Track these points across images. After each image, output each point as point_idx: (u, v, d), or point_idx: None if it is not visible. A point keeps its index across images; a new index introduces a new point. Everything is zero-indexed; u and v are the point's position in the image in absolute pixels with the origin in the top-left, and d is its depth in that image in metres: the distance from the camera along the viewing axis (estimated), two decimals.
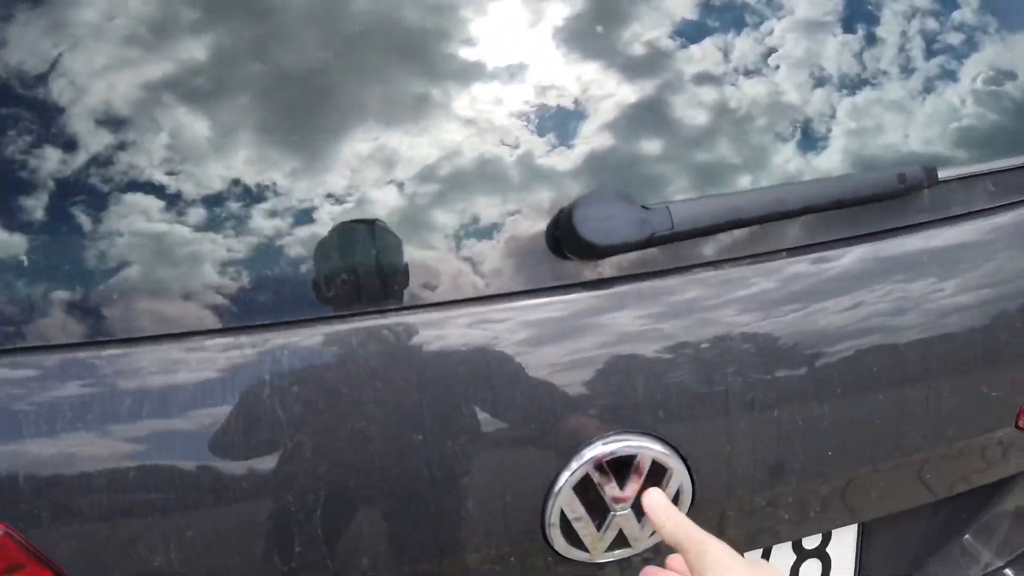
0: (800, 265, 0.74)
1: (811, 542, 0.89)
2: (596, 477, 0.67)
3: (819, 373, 0.73)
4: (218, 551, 0.64)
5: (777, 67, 0.75)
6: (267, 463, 0.63)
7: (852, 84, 0.78)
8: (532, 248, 0.67)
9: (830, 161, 0.76)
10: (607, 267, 0.68)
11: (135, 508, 0.62)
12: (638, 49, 0.71)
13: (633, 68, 0.70)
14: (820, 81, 0.77)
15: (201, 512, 0.63)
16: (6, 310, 0.59)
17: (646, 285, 0.68)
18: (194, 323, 0.62)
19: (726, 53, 0.74)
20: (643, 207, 0.61)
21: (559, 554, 0.71)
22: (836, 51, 0.78)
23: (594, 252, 0.61)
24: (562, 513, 0.68)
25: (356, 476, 0.65)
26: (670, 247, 0.67)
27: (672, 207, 0.62)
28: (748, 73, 0.74)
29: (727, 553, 0.53)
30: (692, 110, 0.71)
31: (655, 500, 0.58)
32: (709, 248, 0.70)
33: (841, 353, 0.74)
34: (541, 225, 0.67)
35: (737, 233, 0.70)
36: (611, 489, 0.68)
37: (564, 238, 0.64)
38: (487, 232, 0.67)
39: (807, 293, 0.73)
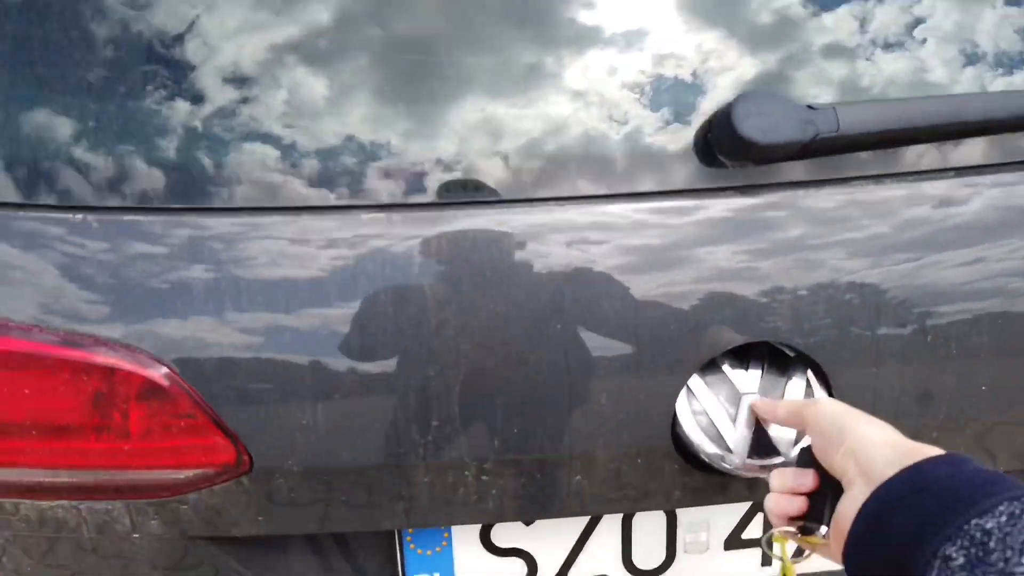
0: (968, 189, 0.69)
1: None
2: (729, 373, 0.68)
3: (981, 304, 0.69)
4: (361, 417, 0.68)
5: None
6: (414, 339, 0.67)
7: None
8: (681, 150, 0.66)
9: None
10: (759, 173, 0.66)
11: (293, 371, 0.67)
12: None
13: None
14: None
15: (351, 378, 0.67)
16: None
17: (799, 193, 0.67)
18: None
19: None
20: (808, 106, 0.59)
21: (688, 456, 0.72)
22: None
23: (751, 152, 0.59)
24: (693, 412, 0.69)
25: (495, 358, 0.67)
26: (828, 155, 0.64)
27: (839, 108, 0.59)
28: None
29: (833, 404, 0.58)
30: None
31: (758, 401, 0.67)
32: (868, 160, 0.67)
33: (1010, 285, 0.69)
34: (693, 127, 0.66)
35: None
36: (739, 378, 0.68)
37: (719, 138, 0.62)
38: (636, 132, 0.66)
39: (972, 222, 0.69)
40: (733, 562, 0.85)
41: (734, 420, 0.69)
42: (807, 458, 0.59)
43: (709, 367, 0.68)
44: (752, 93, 0.60)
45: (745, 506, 0.83)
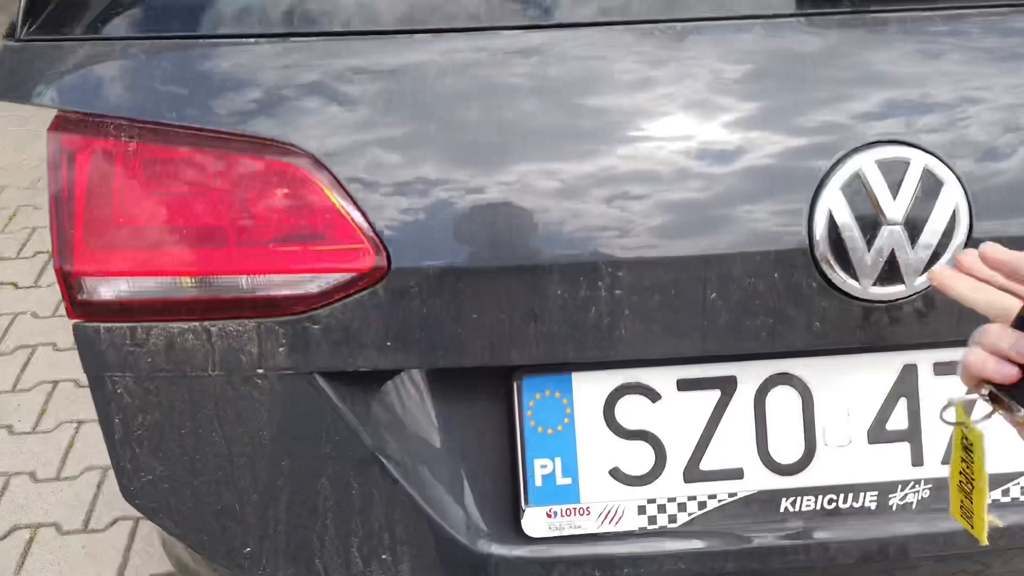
0: None
1: None
2: (868, 177, 0.68)
3: None
4: (499, 217, 0.70)
5: None
6: (554, 141, 0.70)
7: None
8: None
9: None
10: None
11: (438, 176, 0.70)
12: None
13: None
14: None
15: (491, 178, 0.70)
16: None
17: None
18: None
19: None
20: None
21: (824, 278, 0.70)
22: None
23: None
24: (830, 218, 0.68)
25: (631, 147, 0.70)
26: None
27: None
28: None
29: None
30: None
31: (938, 270, 0.60)
32: None
33: None
34: None
35: None
36: (882, 194, 0.68)
37: None
38: None
39: None
40: (880, 458, 0.78)
41: (865, 236, 0.68)
42: None
43: (839, 159, 0.69)
44: None
45: (886, 389, 0.78)
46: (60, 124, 0.71)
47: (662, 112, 0.70)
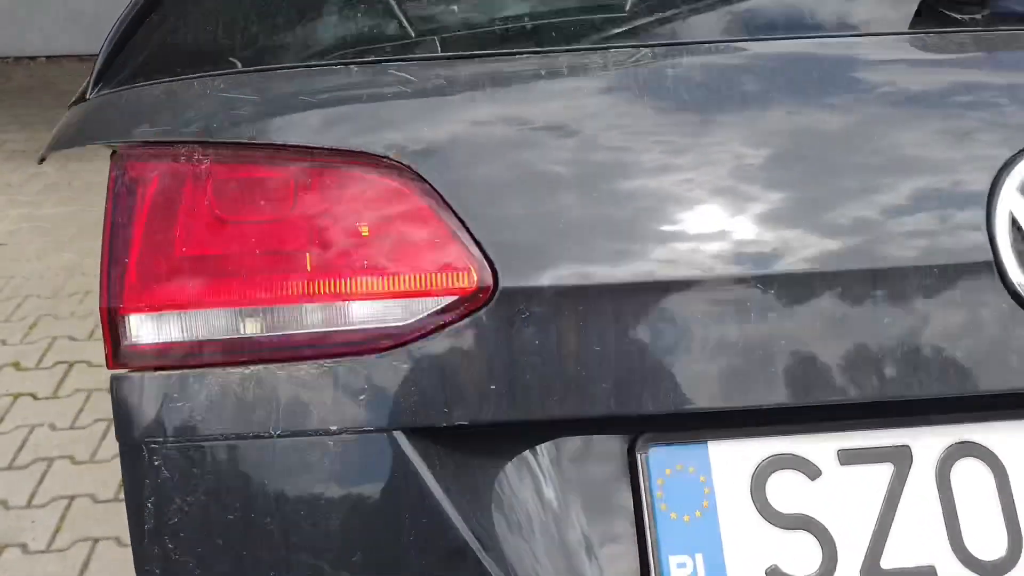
0: None
1: None
2: None
3: None
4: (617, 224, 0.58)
5: None
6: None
7: None
8: None
9: None
10: None
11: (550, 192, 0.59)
12: None
13: None
14: None
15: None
16: None
17: None
18: None
19: None
20: None
21: (1013, 290, 0.57)
22: None
23: None
24: (1012, 221, 0.57)
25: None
26: None
27: None
28: None
29: None
30: None
31: None
32: None
33: None
34: None
35: None
36: None
37: None
38: None
39: None
40: None
41: None
42: None
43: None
44: None
45: None
46: (124, 151, 0.63)
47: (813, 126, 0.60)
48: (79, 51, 5.86)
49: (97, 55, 0.76)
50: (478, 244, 0.57)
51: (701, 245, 0.57)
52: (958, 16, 0.64)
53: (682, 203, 0.58)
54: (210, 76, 0.65)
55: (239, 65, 0.67)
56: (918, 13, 0.64)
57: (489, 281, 0.57)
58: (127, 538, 1.73)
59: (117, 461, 1.90)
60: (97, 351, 2.55)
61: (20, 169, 4.18)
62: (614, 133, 0.60)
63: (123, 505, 1.82)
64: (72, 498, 2.02)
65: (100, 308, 0.60)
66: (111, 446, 2.14)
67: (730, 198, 0.58)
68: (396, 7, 0.69)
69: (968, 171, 0.59)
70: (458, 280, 0.57)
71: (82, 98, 0.73)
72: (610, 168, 0.59)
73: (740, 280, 0.57)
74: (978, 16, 0.64)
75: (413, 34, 0.67)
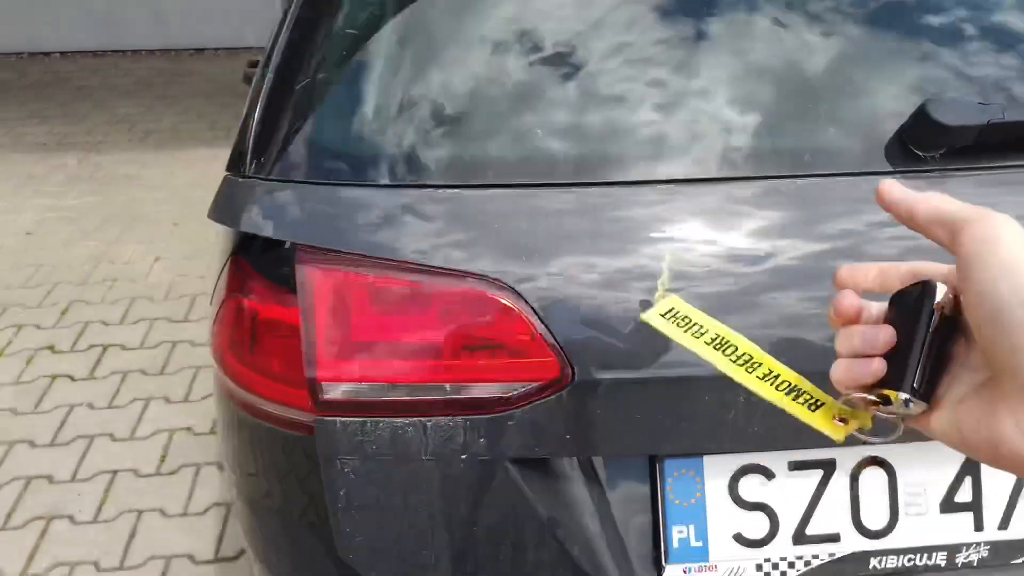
0: None
1: None
2: None
3: None
4: None
5: None
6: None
7: None
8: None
9: None
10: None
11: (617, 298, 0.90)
12: None
13: None
14: None
15: None
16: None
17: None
18: None
19: None
20: (979, 103, 0.90)
21: None
22: None
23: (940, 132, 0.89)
24: None
25: None
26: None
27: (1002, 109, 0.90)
28: None
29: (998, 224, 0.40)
30: None
31: (887, 185, 0.46)
32: None
33: None
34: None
35: None
36: None
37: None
38: None
39: None
40: (949, 525, 0.96)
41: None
42: (898, 306, 0.47)
43: None
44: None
45: (955, 470, 0.97)
46: (304, 257, 0.88)
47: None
48: (92, 47, 6.02)
49: (246, 131, 0.99)
50: (562, 348, 0.86)
51: None
52: None
53: None
54: (374, 187, 0.91)
55: (393, 175, 0.92)
56: None
57: (569, 374, 0.86)
58: (170, 509, 2.00)
59: (156, 438, 2.18)
60: (129, 335, 2.79)
61: (42, 161, 4.36)
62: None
63: (165, 478, 2.08)
64: (115, 472, 2.20)
65: (305, 375, 0.87)
66: (149, 424, 2.37)
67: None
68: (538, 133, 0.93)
69: None
70: (548, 372, 0.86)
71: (237, 166, 0.96)
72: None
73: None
74: None
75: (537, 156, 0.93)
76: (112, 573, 1.91)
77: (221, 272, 1.03)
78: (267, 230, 0.90)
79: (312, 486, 0.92)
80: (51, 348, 2.78)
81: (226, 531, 2.02)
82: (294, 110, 1.01)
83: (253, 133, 0.98)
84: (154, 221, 3.67)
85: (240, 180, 0.96)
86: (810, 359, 0.61)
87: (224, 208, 0.95)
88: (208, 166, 4.16)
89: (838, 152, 0.93)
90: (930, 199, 0.43)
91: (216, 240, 1.22)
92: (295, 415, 0.90)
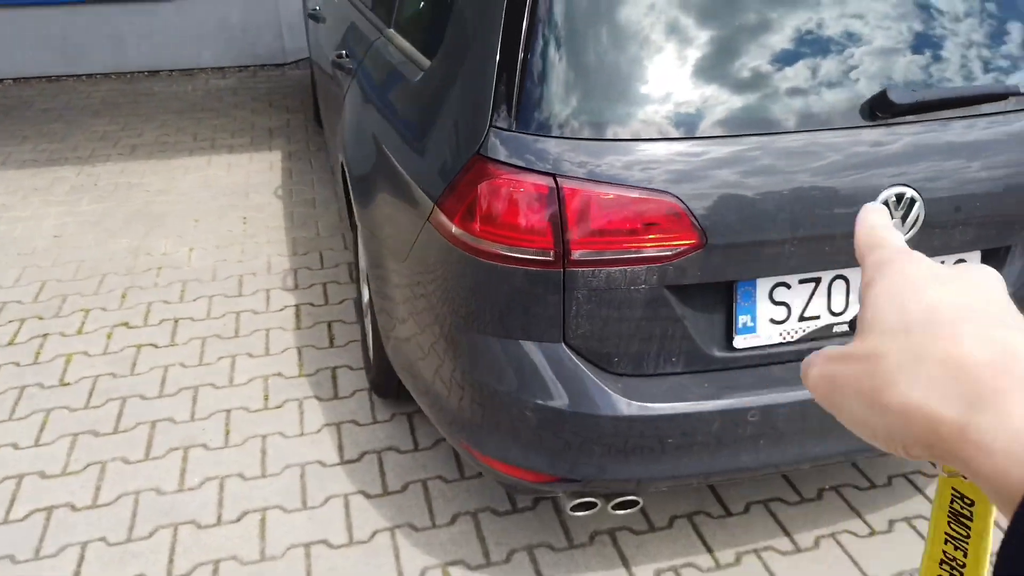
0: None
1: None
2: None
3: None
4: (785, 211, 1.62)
5: None
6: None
7: None
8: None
9: None
10: None
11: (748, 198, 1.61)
12: None
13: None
14: None
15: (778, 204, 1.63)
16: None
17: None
18: None
19: None
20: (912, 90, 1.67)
21: None
22: None
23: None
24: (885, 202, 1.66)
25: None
26: None
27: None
28: None
29: (905, 257, 0.40)
30: None
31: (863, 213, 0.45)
32: None
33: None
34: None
35: None
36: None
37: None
38: None
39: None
40: None
41: None
42: None
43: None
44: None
45: None
46: (563, 182, 1.57)
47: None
48: (48, 72, 6.24)
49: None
50: (702, 226, 1.58)
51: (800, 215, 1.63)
52: None
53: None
54: (600, 140, 1.60)
55: (613, 133, 1.61)
56: None
57: (704, 240, 1.56)
58: (289, 432, 2.56)
59: (253, 383, 2.86)
60: (193, 310, 3.29)
61: (39, 175, 4.66)
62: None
63: (274, 411, 2.67)
64: (228, 412, 2.67)
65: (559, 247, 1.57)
66: (243, 374, 2.85)
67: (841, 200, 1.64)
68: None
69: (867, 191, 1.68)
70: (691, 239, 1.57)
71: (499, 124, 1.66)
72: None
73: (817, 238, 1.64)
74: None
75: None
76: (257, 480, 2.39)
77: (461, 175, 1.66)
78: (532, 165, 1.56)
79: (552, 303, 1.58)
80: (126, 325, 3.20)
81: (343, 441, 2.58)
82: (544, 84, 1.62)
83: (515, 101, 1.58)
84: (175, 218, 4.11)
85: (513, 133, 1.59)
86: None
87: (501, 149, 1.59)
88: (205, 171, 4.61)
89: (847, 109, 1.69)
90: (861, 224, 0.44)
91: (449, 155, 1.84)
92: (542, 257, 1.56)
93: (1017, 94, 1.69)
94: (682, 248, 1.56)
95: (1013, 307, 0.37)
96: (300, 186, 4.47)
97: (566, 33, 1.58)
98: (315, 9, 3.77)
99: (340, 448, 2.52)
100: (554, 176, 1.53)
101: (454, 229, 1.65)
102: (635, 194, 1.52)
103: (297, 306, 3.30)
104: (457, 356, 1.77)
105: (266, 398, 2.77)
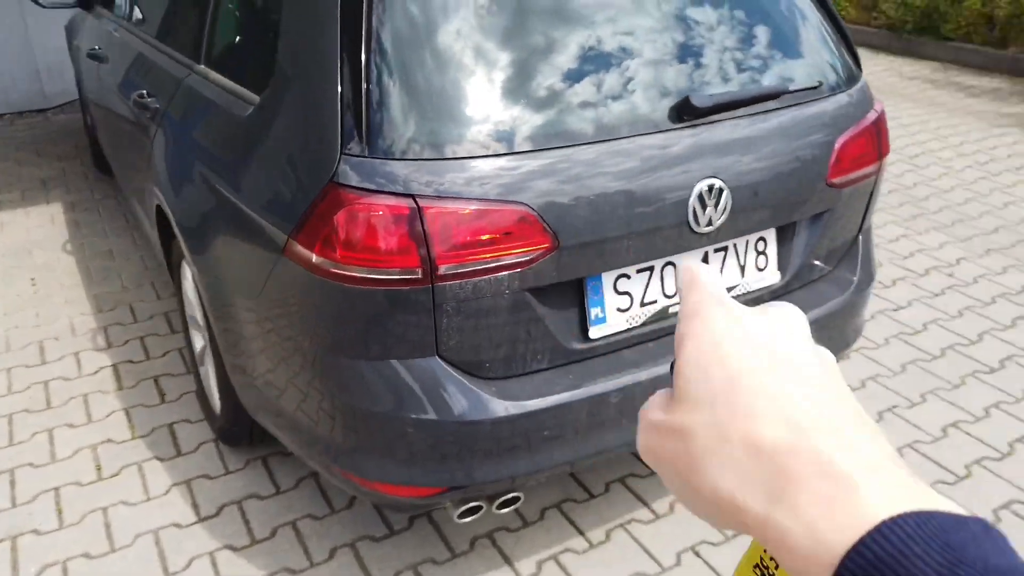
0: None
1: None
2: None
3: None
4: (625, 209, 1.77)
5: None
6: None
7: None
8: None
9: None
10: None
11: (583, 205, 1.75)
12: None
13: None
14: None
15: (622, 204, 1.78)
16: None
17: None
18: None
19: None
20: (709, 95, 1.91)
21: (688, 221, 1.90)
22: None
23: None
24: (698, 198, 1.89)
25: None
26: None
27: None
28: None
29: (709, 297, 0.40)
30: None
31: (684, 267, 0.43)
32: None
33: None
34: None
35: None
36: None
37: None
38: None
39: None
40: None
41: None
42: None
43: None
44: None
45: (718, 264, 1.98)
46: (420, 201, 1.64)
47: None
48: None
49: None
50: (553, 230, 1.69)
51: (621, 215, 1.79)
52: None
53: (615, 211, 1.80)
54: (452, 159, 1.67)
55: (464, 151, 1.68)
56: None
57: (557, 243, 1.68)
58: (133, 499, 2.38)
59: (82, 455, 2.54)
60: None
61: (35, 208, 3.93)
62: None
63: (113, 481, 2.46)
64: (56, 489, 2.43)
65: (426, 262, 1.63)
66: (64, 447, 2.58)
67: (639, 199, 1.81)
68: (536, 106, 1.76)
69: (682, 185, 1.89)
70: (545, 243, 1.68)
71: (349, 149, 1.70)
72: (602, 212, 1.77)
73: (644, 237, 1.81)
74: None
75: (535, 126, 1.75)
76: (106, 557, 2.20)
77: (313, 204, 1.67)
78: (390, 188, 1.60)
79: (424, 319, 1.64)
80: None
81: (197, 498, 2.44)
82: (386, 110, 1.64)
83: (363, 127, 1.61)
84: None
85: (363, 159, 1.62)
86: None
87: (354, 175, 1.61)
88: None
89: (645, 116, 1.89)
90: (682, 274, 0.43)
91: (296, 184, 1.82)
92: (410, 276, 1.61)
93: (787, 92, 1.99)
94: (538, 252, 1.68)
95: (812, 356, 0.37)
96: (92, 238, 4.13)
97: (396, 61, 1.65)
98: (95, 49, 3.52)
99: (195, 506, 2.40)
100: (413, 196, 1.59)
101: (315, 258, 1.66)
102: (489, 206, 1.62)
103: (115, 366, 3.06)
104: (327, 384, 1.77)
105: (99, 468, 2.57)
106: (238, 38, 2.22)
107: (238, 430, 2.42)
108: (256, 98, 1.93)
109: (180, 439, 2.67)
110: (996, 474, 2.48)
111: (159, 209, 2.53)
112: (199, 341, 2.61)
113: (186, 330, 2.78)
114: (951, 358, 3.06)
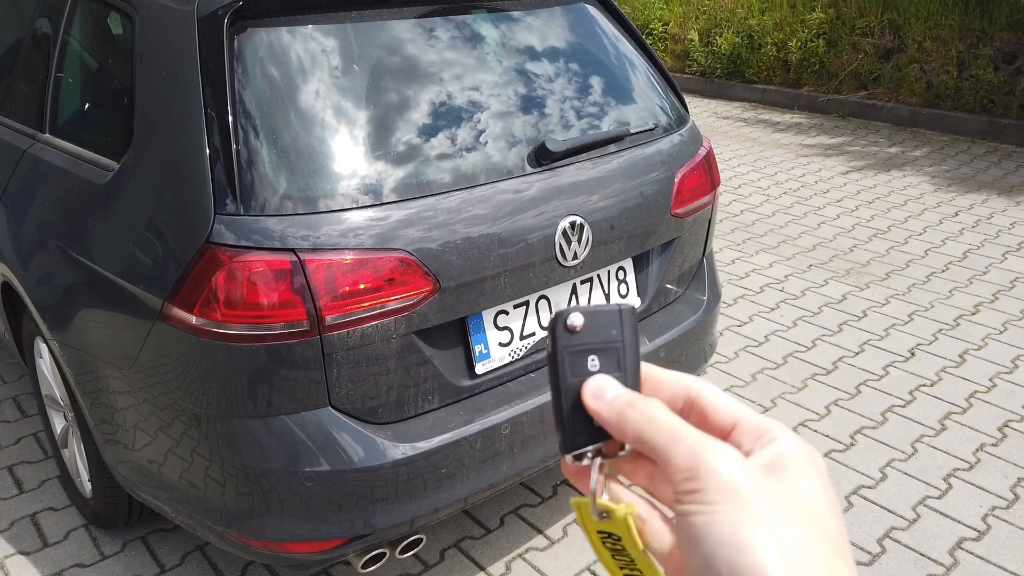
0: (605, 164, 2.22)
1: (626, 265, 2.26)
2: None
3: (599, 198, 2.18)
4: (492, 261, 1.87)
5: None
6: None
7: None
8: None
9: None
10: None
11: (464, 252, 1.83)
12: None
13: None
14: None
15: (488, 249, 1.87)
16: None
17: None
18: None
19: None
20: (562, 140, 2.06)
21: (556, 255, 2.04)
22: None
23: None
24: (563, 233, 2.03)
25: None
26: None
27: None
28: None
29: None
30: None
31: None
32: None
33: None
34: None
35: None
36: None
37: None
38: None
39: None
40: None
41: None
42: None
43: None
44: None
45: (585, 295, 2.13)
46: (301, 255, 1.66)
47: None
48: None
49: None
50: (434, 273, 1.77)
51: (500, 254, 1.89)
52: None
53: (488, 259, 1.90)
54: (326, 212, 1.71)
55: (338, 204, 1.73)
56: None
57: (438, 287, 1.76)
58: None
59: None
60: None
61: None
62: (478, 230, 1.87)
63: None
64: None
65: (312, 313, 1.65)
66: None
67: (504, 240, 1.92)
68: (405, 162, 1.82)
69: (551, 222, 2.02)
70: (427, 286, 1.75)
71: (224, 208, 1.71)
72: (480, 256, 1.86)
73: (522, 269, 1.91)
74: None
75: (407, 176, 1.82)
76: None
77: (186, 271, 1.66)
78: (269, 244, 1.62)
79: (314, 370, 1.65)
80: None
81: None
82: (255, 168, 1.67)
83: (236, 186, 1.63)
84: None
85: (238, 217, 1.63)
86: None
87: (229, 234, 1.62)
88: None
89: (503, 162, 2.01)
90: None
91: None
92: (297, 329, 1.63)
93: (628, 134, 2.20)
94: (421, 295, 1.75)
95: (839, 523, 0.39)
96: None
97: (262, 120, 1.69)
98: None
99: None
100: (293, 251, 1.63)
101: (195, 320, 1.64)
102: (370, 255, 1.68)
103: None
104: (215, 447, 1.74)
105: None
106: (87, 104, 2.16)
107: (113, 511, 2.29)
108: (114, 164, 1.89)
109: (46, 529, 2.48)
110: (844, 464, 2.76)
111: (5, 286, 2.38)
112: (59, 422, 2.45)
113: (43, 412, 2.60)
114: (792, 364, 3.39)
